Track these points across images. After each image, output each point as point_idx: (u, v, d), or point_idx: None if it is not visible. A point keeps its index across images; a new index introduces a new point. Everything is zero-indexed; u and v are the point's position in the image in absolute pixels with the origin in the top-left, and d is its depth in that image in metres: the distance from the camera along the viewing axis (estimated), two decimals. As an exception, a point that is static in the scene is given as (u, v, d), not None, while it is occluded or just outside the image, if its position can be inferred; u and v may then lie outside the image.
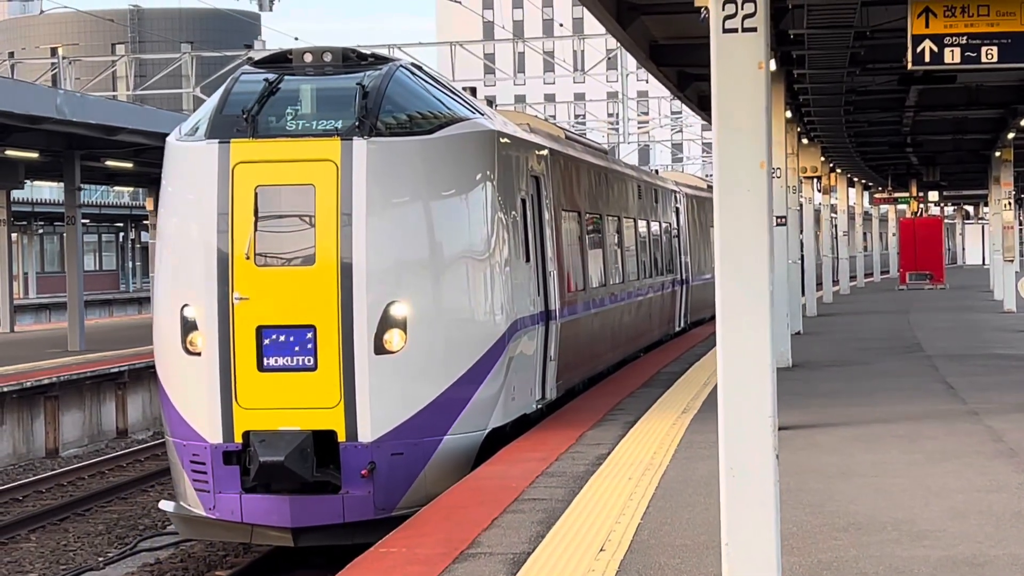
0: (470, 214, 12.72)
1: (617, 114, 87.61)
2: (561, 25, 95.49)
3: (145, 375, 24.49)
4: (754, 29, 6.14)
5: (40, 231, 60.12)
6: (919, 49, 12.67)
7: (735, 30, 6.14)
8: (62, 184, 51.41)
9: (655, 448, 12.22)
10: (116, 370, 23.60)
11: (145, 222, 57.35)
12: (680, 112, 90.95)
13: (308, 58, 12.86)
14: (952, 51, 12.70)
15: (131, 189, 61.74)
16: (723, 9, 6.13)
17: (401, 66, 13.09)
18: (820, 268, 40.26)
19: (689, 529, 8.84)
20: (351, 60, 12.90)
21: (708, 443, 12.38)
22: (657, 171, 30.42)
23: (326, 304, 11.96)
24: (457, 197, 12.66)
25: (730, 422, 6.18)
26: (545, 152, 15.46)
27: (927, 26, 12.66)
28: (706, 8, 6.29)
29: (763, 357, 6.15)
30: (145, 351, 26.00)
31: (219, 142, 12.26)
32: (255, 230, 12.07)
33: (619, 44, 21.49)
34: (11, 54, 76.46)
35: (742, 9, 6.11)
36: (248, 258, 12.03)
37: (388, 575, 7.92)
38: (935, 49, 12.67)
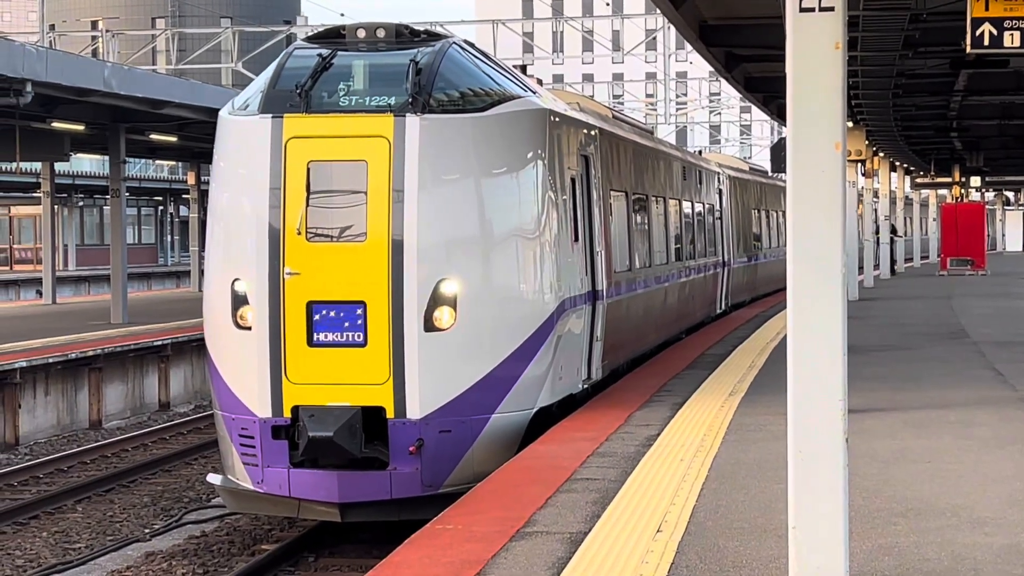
0: (521, 192, 12.68)
1: (655, 95, 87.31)
2: (608, 4, 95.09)
3: (188, 349, 24.61)
4: (831, 8, 6.08)
5: (80, 204, 60.41)
6: (978, 32, 12.53)
7: (812, 9, 6.08)
8: (102, 157, 51.68)
9: (704, 430, 12.18)
10: (160, 343, 23.71)
11: (185, 196, 57.50)
12: (719, 94, 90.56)
13: (361, 34, 12.82)
14: (1012, 35, 12.55)
15: (172, 163, 61.98)
16: (800, -12, 6.06)
17: (454, 43, 13.04)
18: (861, 252, 40.05)
19: (746, 511, 8.80)
20: (404, 36, 12.86)
21: (758, 426, 12.34)
22: (700, 152, 30.32)
23: (376, 280, 11.95)
24: (508, 175, 12.62)
25: (800, 405, 6.14)
26: (595, 132, 15.39)
27: (987, 9, 12.52)
28: (782, -14, 6.21)
29: (835, 340, 6.09)
30: (187, 324, 26.13)
31: (272, 117, 12.25)
32: (307, 205, 12.06)
33: (669, 23, 21.38)
34: (52, 27, 76.73)
35: (819, -12, 6.04)
36: (299, 233, 12.04)
37: (446, 551, 7.92)
38: (994, 32, 12.53)
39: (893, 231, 47.28)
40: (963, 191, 50.85)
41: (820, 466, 6.14)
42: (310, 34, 13.67)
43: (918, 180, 55.20)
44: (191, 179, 40.97)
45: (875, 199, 43.14)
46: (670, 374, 16.52)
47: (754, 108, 55.24)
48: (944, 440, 11.59)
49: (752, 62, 24.26)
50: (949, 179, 49.85)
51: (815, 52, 6.10)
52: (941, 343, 20.58)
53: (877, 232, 43.11)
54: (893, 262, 46.47)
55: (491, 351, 12.27)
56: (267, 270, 12.07)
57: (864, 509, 8.78)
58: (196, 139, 31.05)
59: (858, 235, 37.39)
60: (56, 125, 26.68)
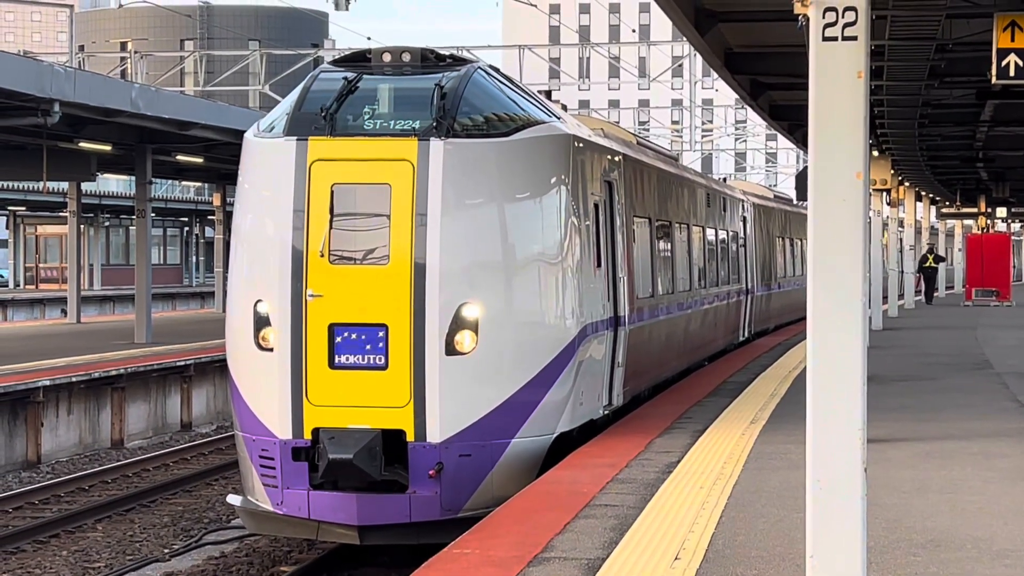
0: (544, 217, 12.70)
1: (681, 121, 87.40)
2: (634, 31, 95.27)
3: (210, 369, 24.67)
4: (854, 38, 6.07)
5: (106, 224, 60.69)
6: (1004, 63, 12.53)
7: (835, 38, 6.08)
8: (129, 177, 51.97)
9: (725, 458, 12.15)
10: (182, 363, 23.77)
11: (210, 217, 57.71)
12: (745, 121, 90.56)
13: (387, 58, 12.87)
14: (1037, 66, 12.55)
15: (197, 184, 62.25)
16: (823, 17, 6.07)
17: (479, 67, 13.08)
18: (885, 282, 39.96)
19: (764, 540, 8.78)
20: (429, 61, 12.91)
21: (779, 454, 12.31)
22: (725, 179, 30.32)
23: (398, 303, 11.97)
24: (532, 200, 12.64)
25: (819, 434, 6.12)
26: (618, 158, 15.41)
27: (1012, 40, 12.53)
28: (804, 16, 6.23)
29: (854, 368, 6.08)
30: (210, 345, 26.20)
31: (297, 139, 12.31)
32: (330, 228, 12.10)
33: (694, 51, 21.42)
34: (81, 47, 77.28)
35: (843, 17, 6.05)
36: (322, 255, 12.07)
37: (463, 575, 7.92)
38: (1020, 63, 12.53)
39: (939, 259, 49.35)
40: (989, 222, 50.71)
41: (839, 495, 6.12)
42: (336, 57, 13.73)
43: (943, 210, 55.06)
44: (216, 200, 41.15)
45: (900, 228, 43.08)
46: (691, 401, 16.49)
47: (779, 136, 55.25)
48: (965, 471, 11.54)
49: (777, 90, 24.28)
50: (975, 209, 49.72)
51: (838, 81, 6.10)
52: (964, 374, 20.49)
53: (925, 261, 46.59)
54: (920, 290, 47.10)
55: (512, 376, 12.27)
56: (290, 292, 12.11)
57: (884, 539, 8.74)
58: (222, 160, 31.19)
59: (882, 264, 37.30)
60: (83, 145, 26.84)
